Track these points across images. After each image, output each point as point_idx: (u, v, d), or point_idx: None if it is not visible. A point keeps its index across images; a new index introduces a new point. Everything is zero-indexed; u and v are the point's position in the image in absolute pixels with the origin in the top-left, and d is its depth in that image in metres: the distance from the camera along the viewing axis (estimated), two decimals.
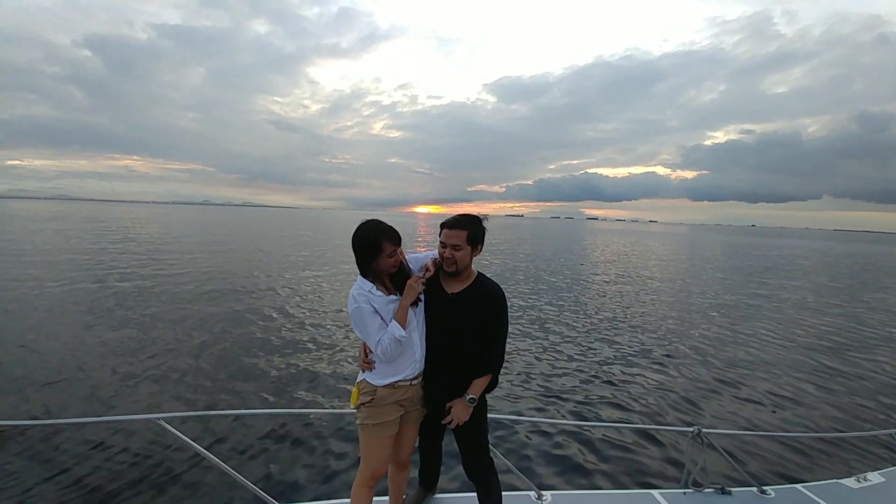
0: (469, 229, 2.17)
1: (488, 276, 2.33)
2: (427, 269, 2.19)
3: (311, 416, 4.67)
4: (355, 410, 2.17)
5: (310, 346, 7.41)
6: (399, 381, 2.12)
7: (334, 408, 5.08)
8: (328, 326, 8.66)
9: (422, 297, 2.20)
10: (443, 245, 2.18)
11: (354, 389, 2.18)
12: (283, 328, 8.42)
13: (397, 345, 2.04)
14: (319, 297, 11.70)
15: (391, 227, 2.09)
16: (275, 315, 9.40)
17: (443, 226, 2.20)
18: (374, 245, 2.03)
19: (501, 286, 2.29)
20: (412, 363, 2.15)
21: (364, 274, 2.11)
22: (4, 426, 4.18)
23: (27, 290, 10.96)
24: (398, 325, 2.05)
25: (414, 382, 2.18)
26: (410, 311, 2.12)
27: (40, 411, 4.79)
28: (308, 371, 6.26)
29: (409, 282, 2.09)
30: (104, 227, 36.93)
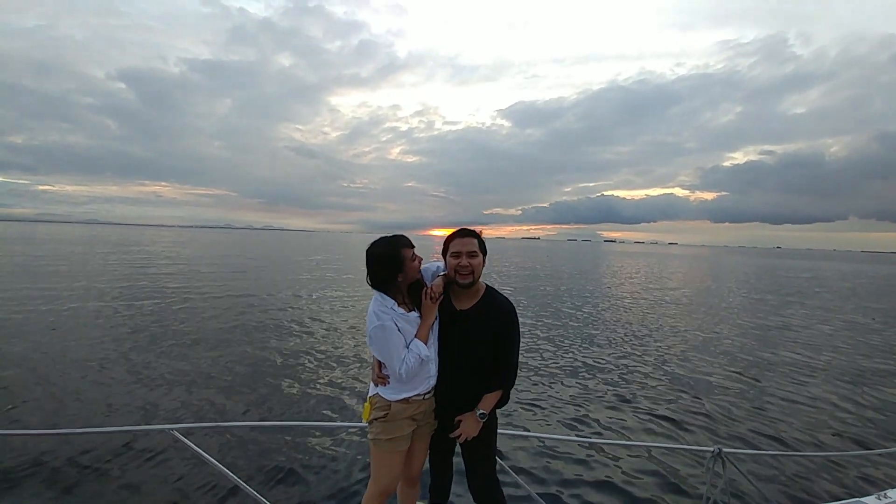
0: (477, 237, 2.18)
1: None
2: (440, 286, 2.14)
3: (325, 430, 4.67)
4: (367, 425, 2.14)
5: (325, 360, 7.45)
6: (414, 395, 2.09)
7: (346, 421, 5.06)
8: (343, 342, 8.71)
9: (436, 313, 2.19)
10: (456, 255, 2.13)
11: (367, 404, 2.14)
12: (299, 344, 8.49)
13: (421, 364, 2.03)
14: (335, 313, 11.80)
15: (401, 234, 2.11)
16: (290, 331, 9.52)
17: (453, 237, 2.19)
18: (397, 256, 2.03)
19: (517, 306, 2.24)
20: (427, 378, 2.13)
21: (385, 290, 2.08)
22: (23, 435, 4.26)
23: (50, 307, 11.32)
24: (422, 344, 2.04)
25: (427, 397, 2.15)
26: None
27: (57, 421, 4.90)
28: (322, 385, 6.27)
29: (424, 301, 2.08)
30: (130, 250, 38.18)
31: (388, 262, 2.03)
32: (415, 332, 2.06)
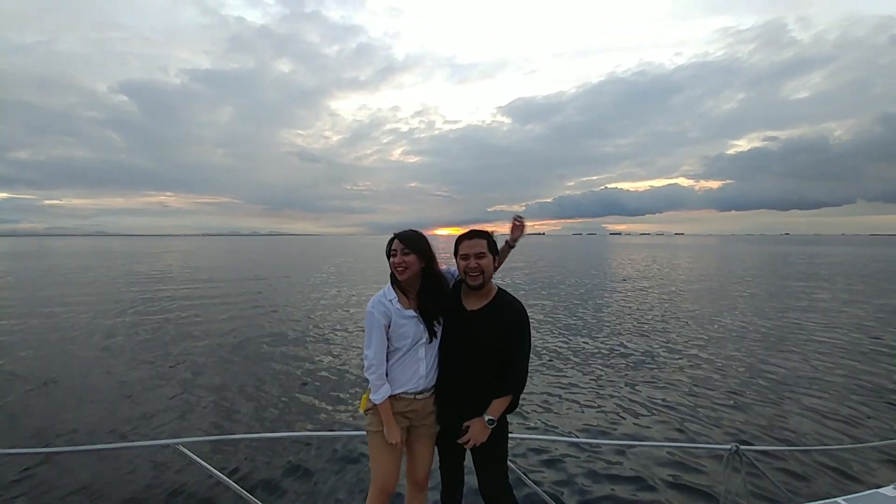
0: (487, 238, 2.19)
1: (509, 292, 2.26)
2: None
3: (333, 440, 4.64)
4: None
5: (333, 369, 7.39)
6: (400, 393, 2.11)
7: (354, 430, 5.02)
8: (347, 350, 8.64)
9: (440, 320, 2.19)
10: (465, 257, 2.14)
11: (364, 395, 2.19)
12: (306, 352, 8.45)
13: (374, 381, 2.09)
14: (339, 321, 11.74)
15: (416, 234, 2.16)
16: (296, 339, 9.48)
17: (461, 239, 2.19)
18: (390, 243, 2.15)
19: (524, 304, 2.21)
20: (416, 378, 2.13)
21: (393, 281, 2.19)
22: (25, 454, 4.21)
23: (51, 320, 11.45)
24: (382, 393, 2.06)
25: (419, 397, 2.15)
26: (419, 328, 2.12)
27: (60, 439, 4.90)
28: (326, 394, 6.23)
29: (387, 433, 2.08)
30: (140, 261, 38.72)
31: (387, 247, 2.17)
32: (409, 328, 2.09)
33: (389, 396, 2.08)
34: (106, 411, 5.64)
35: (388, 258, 2.15)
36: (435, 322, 2.14)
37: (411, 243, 2.10)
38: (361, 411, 2.21)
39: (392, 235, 2.19)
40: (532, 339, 2.20)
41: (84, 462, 4.23)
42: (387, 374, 2.13)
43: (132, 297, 15.70)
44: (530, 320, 2.19)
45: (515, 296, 2.22)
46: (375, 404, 2.10)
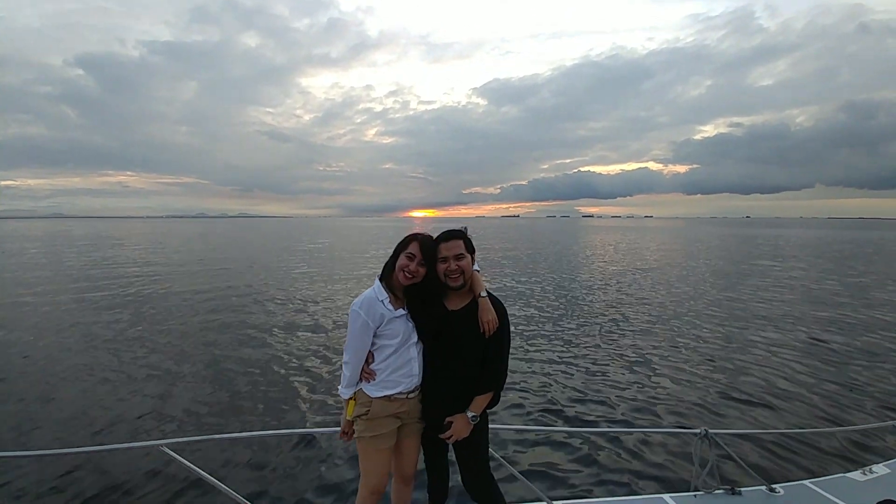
0: (463, 238, 2.16)
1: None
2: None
3: (315, 436, 4.58)
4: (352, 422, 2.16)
5: (311, 365, 7.21)
6: (395, 394, 2.10)
7: (338, 426, 4.98)
8: (330, 344, 8.46)
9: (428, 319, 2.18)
10: (444, 260, 2.10)
11: (351, 400, 2.16)
12: (284, 347, 8.22)
13: (350, 378, 2.11)
14: (322, 311, 11.48)
15: (434, 243, 2.10)
16: (276, 334, 9.16)
17: (437, 241, 2.14)
18: (405, 241, 2.09)
19: (499, 293, 2.21)
20: (409, 377, 2.13)
21: (382, 276, 2.12)
22: (7, 457, 4.08)
23: (22, 313, 10.85)
24: (350, 391, 2.12)
25: (410, 396, 2.15)
26: (408, 326, 2.10)
27: (42, 441, 4.70)
28: (310, 390, 6.12)
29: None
30: (97, 245, 36.72)
31: (397, 246, 2.09)
32: (399, 327, 2.07)
33: (384, 397, 2.09)
34: (83, 412, 5.42)
35: (398, 255, 2.08)
36: (423, 320, 2.13)
37: (431, 256, 2.07)
38: (348, 417, 2.17)
39: (413, 234, 2.12)
40: (508, 327, 2.21)
41: (68, 465, 4.09)
42: (362, 374, 2.11)
43: (103, 290, 14.96)
44: (506, 307, 2.23)
45: (491, 288, 2.23)
46: (367, 409, 2.08)
